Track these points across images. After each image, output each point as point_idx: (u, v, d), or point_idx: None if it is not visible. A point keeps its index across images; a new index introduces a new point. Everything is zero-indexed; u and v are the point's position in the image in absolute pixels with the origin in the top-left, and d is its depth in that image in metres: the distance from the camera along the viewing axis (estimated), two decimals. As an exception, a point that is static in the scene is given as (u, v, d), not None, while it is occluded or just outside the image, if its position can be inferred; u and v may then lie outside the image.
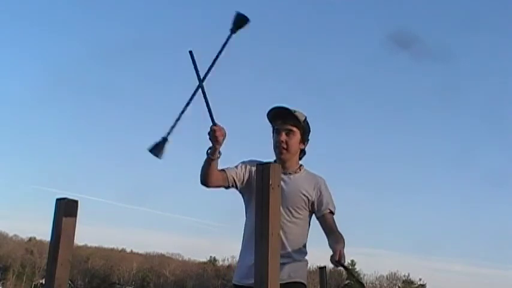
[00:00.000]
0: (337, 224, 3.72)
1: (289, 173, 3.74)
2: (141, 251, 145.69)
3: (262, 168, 3.24)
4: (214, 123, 3.38)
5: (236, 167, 3.71)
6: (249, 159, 3.78)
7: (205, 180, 3.53)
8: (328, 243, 3.60)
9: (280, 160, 3.71)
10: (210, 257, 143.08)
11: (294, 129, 3.71)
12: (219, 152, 3.45)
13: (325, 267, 6.85)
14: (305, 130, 3.75)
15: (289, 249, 3.64)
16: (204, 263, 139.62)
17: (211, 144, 3.40)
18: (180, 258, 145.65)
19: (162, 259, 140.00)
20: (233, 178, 3.66)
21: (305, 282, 3.75)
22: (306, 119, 3.76)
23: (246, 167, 3.72)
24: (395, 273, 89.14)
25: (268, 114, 3.75)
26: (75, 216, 4.00)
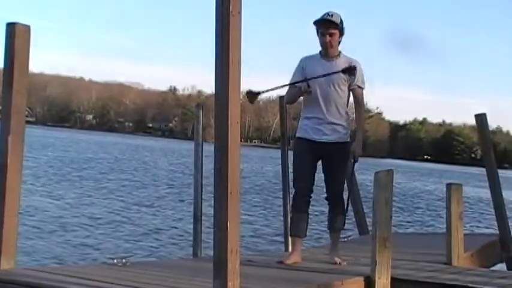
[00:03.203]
0: (363, 98, 5.17)
1: (332, 59, 5.06)
2: (99, 80, 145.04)
3: (223, -6, 3.12)
4: (309, 86, 4.99)
5: (296, 74, 5.12)
6: (303, 57, 5.16)
7: (291, 104, 5.58)
8: (355, 119, 5.22)
9: (327, 53, 5.06)
10: (170, 86, 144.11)
11: (334, 31, 5.00)
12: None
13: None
14: (342, 28, 5.04)
15: (331, 115, 5.02)
16: (164, 92, 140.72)
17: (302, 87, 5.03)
18: (140, 88, 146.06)
19: (122, 88, 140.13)
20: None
21: (346, 140, 5.11)
22: (341, 18, 5.01)
23: (300, 70, 5.11)
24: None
25: (314, 23, 5.01)
26: (28, 41, 3.85)
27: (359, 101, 5.15)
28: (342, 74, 4.99)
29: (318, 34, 5.06)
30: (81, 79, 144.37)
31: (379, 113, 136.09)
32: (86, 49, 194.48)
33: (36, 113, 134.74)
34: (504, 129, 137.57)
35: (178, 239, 10.66)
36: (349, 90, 5.09)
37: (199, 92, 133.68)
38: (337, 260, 5.09)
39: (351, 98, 5.18)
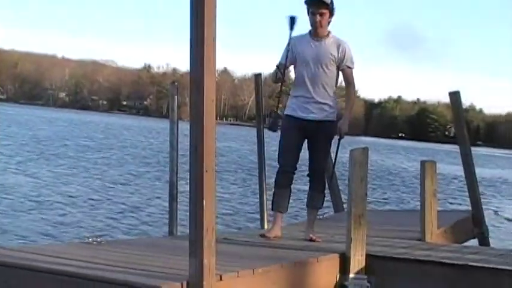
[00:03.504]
0: (353, 77, 5.22)
1: (321, 39, 5.12)
2: (73, 57, 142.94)
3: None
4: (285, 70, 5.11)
5: (285, 54, 5.12)
6: (292, 36, 5.11)
7: (276, 83, 5.27)
8: (345, 100, 5.40)
9: (316, 33, 5.11)
10: (145, 64, 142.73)
11: (325, 11, 5.05)
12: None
13: (260, 74, 6.92)
14: (332, 8, 5.09)
15: (318, 95, 5.10)
16: (139, 70, 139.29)
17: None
18: (114, 65, 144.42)
19: (96, 66, 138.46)
20: (288, 68, 5.19)
21: (333, 119, 5.20)
22: (332, 1, 5.07)
23: (289, 49, 5.11)
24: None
25: (305, 2, 5.08)
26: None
27: (349, 81, 5.22)
28: (330, 55, 5.08)
29: (308, 13, 5.11)
30: (54, 56, 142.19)
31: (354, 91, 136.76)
32: (59, 26, 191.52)
33: (8, 90, 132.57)
34: (477, 107, 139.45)
35: (154, 217, 10.65)
36: (339, 70, 5.17)
37: (175, 70, 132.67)
38: (313, 237, 5.14)
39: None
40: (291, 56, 5.13)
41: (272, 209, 5.43)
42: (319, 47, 5.10)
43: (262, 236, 5.16)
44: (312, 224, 5.28)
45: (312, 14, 5.07)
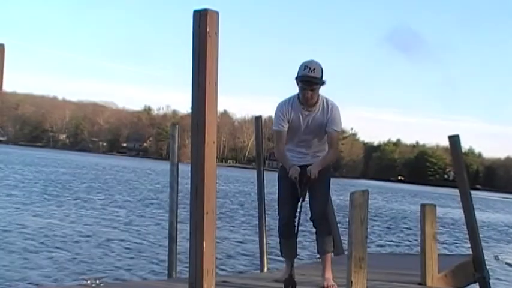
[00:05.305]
0: (337, 141, 5.24)
1: (311, 108, 5.10)
2: (73, 99, 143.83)
3: (200, 15, 3.12)
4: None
5: (280, 123, 5.16)
6: (280, 102, 5.20)
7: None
8: (325, 155, 5.20)
9: (307, 105, 5.09)
10: (145, 105, 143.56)
11: (316, 86, 5.02)
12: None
13: (260, 116, 6.96)
14: (323, 81, 5.04)
15: (310, 151, 5.21)
16: (139, 111, 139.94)
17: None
18: (114, 107, 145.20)
19: (96, 107, 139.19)
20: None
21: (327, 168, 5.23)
22: (322, 71, 5.01)
23: (283, 116, 5.15)
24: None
25: (297, 77, 5.00)
26: (2, 60, 3.82)
27: (332, 144, 5.17)
28: (320, 122, 5.09)
29: (298, 84, 5.08)
30: (55, 98, 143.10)
31: (354, 134, 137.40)
32: (60, 68, 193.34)
33: (8, 132, 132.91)
34: (476, 151, 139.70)
35: (154, 259, 10.56)
36: (326, 132, 5.15)
37: (174, 112, 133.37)
38: (328, 284, 5.09)
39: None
40: (286, 120, 5.14)
41: (282, 256, 5.45)
42: (309, 117, 5.11)
43: (276, 281, 5.20)
44: (329, 270, 5.21)
45: (302, 89, 5.03)
